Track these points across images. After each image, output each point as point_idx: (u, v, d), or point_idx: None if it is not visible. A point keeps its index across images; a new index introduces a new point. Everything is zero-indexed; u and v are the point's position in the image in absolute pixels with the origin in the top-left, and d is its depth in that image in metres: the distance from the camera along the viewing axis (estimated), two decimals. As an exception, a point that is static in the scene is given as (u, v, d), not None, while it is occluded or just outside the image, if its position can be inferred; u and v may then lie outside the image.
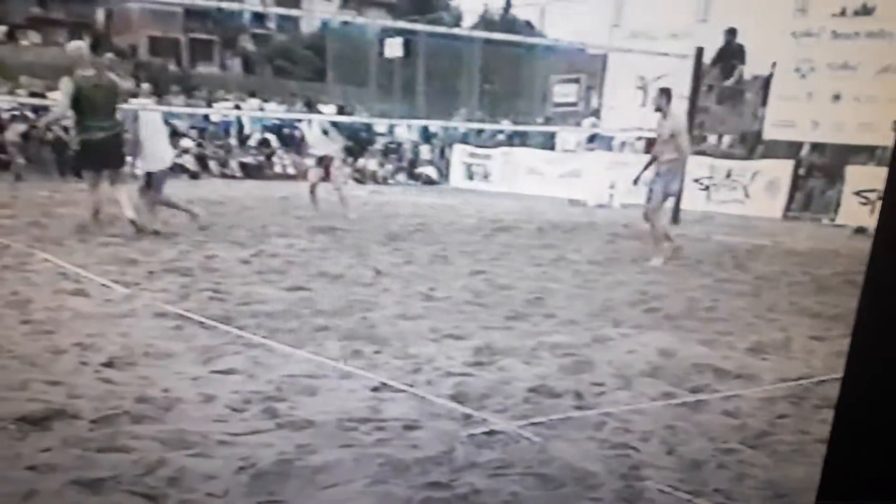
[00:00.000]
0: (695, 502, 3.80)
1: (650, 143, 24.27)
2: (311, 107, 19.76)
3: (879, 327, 1.44)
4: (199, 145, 28.16)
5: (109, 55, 14.41)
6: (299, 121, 29.34)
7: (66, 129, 21.03)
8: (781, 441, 4.50)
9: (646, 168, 11.88)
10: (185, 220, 12.90)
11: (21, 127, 24.47)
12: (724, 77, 22.02)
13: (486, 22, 43.35)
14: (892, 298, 1.42)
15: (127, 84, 12.43)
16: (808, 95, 19.30)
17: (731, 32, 21.19)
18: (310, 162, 17.03)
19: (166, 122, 15.47)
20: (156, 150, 12.65)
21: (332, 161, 15.66)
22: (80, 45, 11.92)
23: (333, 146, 15.74)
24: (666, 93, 11.61)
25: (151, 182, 12.63)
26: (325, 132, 15.85)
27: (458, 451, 4.19)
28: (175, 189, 18.82)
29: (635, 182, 12.10)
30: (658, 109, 11.60)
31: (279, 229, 13.49)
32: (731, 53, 21.60)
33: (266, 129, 30.20)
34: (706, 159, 20.90)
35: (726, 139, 23.29)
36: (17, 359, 5.54)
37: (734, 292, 9.49)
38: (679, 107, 12.00)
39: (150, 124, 12.75)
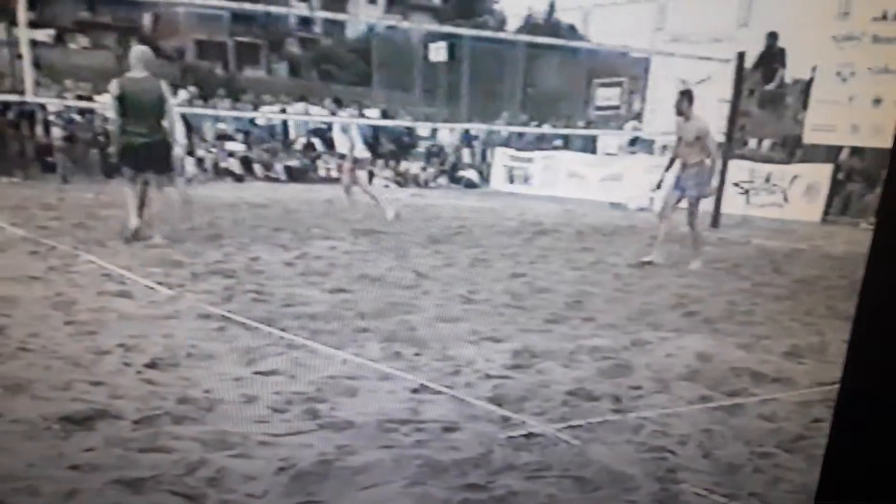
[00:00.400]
0: (730, 506, 3.81)
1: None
2: (339, 104, 19.80)
3: (878, 328, 1.46)
4: (248, 147, 28.44)
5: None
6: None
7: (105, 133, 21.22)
8: (817, 445, 4.47)
9: (667, 170, 11.75)
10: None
11: (67, 130, 24.74)
12: (765, 81, 21.92)
13: (529, 26, 43.30)
14: (890, 299, 1.44)
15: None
16: (849, 99, 19.15)
17: (773, 36, 21.10)
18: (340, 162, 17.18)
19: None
20: None
21: (355, 161, 15.80)
22: (144, 50, 11.63)
23: (351, 145, 15.84)
24: (687, 95, 11.58)
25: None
26: (344, 131, 15.99)
27: (496, 454, 4.21)
28: (220, 191, 19.04)
29: (658, 186, 11.98)
30: (680, 113, 11.52)
31: (322, 232, 13.56)
32: (773, 57, 21.50)
33: (311, 132, 30.34)
34: (746, 163, 20.79)
35: (766, 143, 23.16)
36: (61, 359, 5.60)
37: (772, 296, 9.47)
38: (701, 109, 11.84)
39: None
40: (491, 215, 18.49)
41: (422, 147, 31.35)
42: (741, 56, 17.63)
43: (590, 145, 27.56)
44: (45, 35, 40.62)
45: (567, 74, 32.08)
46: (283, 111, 31.19)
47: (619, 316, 7.86)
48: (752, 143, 22.99)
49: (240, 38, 54.15)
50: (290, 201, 19.54)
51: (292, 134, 30.26)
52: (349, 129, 16.08)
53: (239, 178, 26.87)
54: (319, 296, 8.25)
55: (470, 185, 29.43)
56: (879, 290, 1.46)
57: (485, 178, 29.99)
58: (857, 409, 1.53)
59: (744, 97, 19.13)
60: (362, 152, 16.26)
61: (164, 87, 11.44)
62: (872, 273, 1.47)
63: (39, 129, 24.57)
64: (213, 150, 27.78)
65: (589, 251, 12.58)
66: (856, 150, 20.41)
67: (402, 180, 29.19)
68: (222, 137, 28.75)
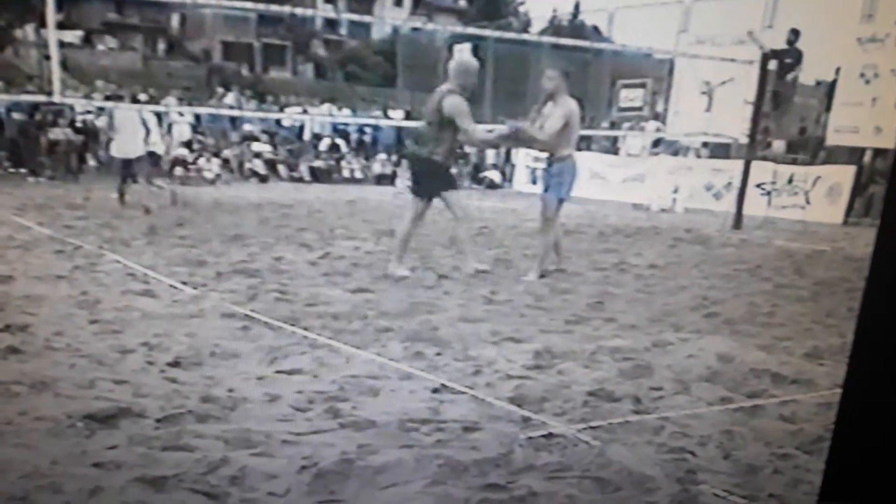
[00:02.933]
0: (749, 507, 3.82)
1: (715, 147, 24.19)
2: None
3: (882, 328, 1.47)
4: (273, 148, 28.66)
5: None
6: (367, 125, 29.78)
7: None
8: (838, 447, 4.46)
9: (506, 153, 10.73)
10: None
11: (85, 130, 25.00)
12: (783, 78, 21.95)
13: (554, 28, 43.23)
14: (894, 299, 1.45)
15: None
16: (872, 101, 19.11)
17: (794, 32, 21.13)
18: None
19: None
20: (125, 143, 15.60)
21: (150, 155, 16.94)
22: (461, 61, 9.81)
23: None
24: (566, 75, 10.14)
25: (124, 167, 15.97)
26: (144, 123, 16.87)
27: (517, 454, 4.21)
28: (245, 192, 19.19)
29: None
30: (550, 96, 9.82)
31: (345, 232, 13.63)
32: (788, 54, 21.52)
33: (336, 133, 30.55)
34: (769, 164, 20.74)
35: (779, 143, 23.14)
36: (86, 358, 5.64)
37: (793, 298, 9.46)
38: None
39: (125, 122, 15.94)
40: (513, 216, 18.51)
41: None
42: (765, 57, 17.60)
43: (613, 146, 27.63)
44: (73, 36, 40.90)
45: (591, 76, 32.01)
46: (305, 112, 31.47)
47: (641, 317, 7.87)
48: (776, 144, 22.98)
49: (266, 40, 54.37)
50: (314, 202, 19.63)
51: (316, 133, 30.55)
52: (148, 122, 17.05)
53: (263, 179, 27.05)
54: (342, 295, 8.29)
55: (492, 185, 29.47)
56: (883, 290, 1.47)
57: (507, 178, 30.02)
58: (861, 410, 1.54)
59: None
60: (155, 147, 17.42)
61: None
62: (875, 273, 1.48)
63: (67, 130, 24.83)
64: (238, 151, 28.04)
65: (611, 252, 12.58)
66: (879, 152, 20.35)
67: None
68: (248, 138, 28.93)
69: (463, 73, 9.47)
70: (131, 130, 16.03)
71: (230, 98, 32.39)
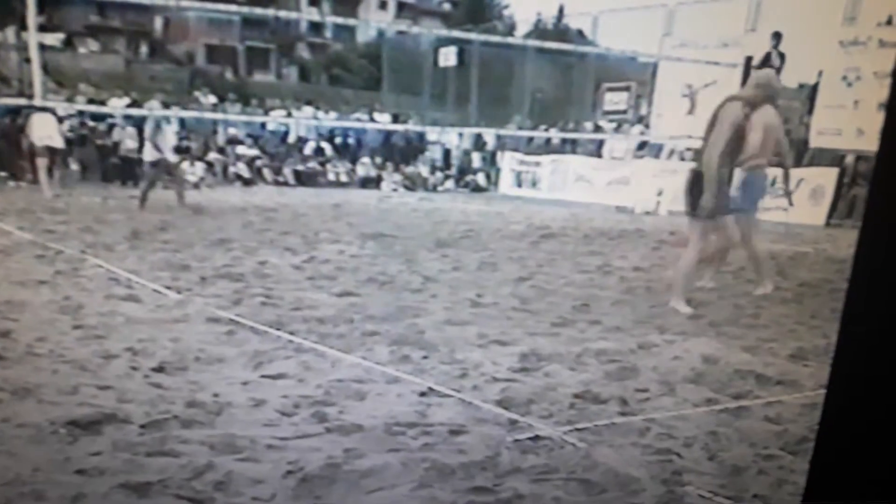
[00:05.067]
0: (734, 508, 3.82)
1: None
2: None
3: (865, 328, 1.47)
4: (262, 153, 28.67)
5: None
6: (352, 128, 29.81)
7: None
8: (823, 448, 4.46)
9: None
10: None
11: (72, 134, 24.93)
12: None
13: (538, 31, 43.27)
14: (876, 300, 1.45)
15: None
16: (855, 104, 19.20)
17: (777, 36, 21.20)
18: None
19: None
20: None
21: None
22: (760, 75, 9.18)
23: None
24: (773, 82, 8.93)
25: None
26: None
27: (503, 456, 4.21)
28: (230, 196, 19.20)
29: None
30: (767, 100, 8.65)
31: (330, 236, 13.60)
32: (773, 58, 21.60)
33: (321, 136, 30.55)
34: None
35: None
36: (69, 363, 5.60)
37: (777, 299, 9.44)
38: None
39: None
40: (498, 219, 18.54)
41: (431, 151, 31.44)
42: (748, 60, 17.68)
43: (598, 149, 27.70)
44: (54, 39, 40.68)
45: (575, 79, 32.10)
46: (289, 115, 31.47)
47: (626, 319, 7.87)
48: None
49: (250, 43, 54.22)
50: (299, 205, 19.61)
51: (298, 135, 30.63)
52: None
53: (248, 182, 27.02)
54: (328, 299, 8.27)
55: (477, 189, 29.50)
56: (866, 291, 1.47)
57: (493, 182, 30.06)
58: (845, 410, 1.55)
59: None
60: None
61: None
62: (857, 275, 1.48)
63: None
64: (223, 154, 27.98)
65: (596, 255, 12.57)
66: (861, 154, 20.44)
67: (411, 184, 29.29)
68: (232, 142, 28.91)
69: (754, 85, 8.65)
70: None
71: (212, 99, 32.38)
